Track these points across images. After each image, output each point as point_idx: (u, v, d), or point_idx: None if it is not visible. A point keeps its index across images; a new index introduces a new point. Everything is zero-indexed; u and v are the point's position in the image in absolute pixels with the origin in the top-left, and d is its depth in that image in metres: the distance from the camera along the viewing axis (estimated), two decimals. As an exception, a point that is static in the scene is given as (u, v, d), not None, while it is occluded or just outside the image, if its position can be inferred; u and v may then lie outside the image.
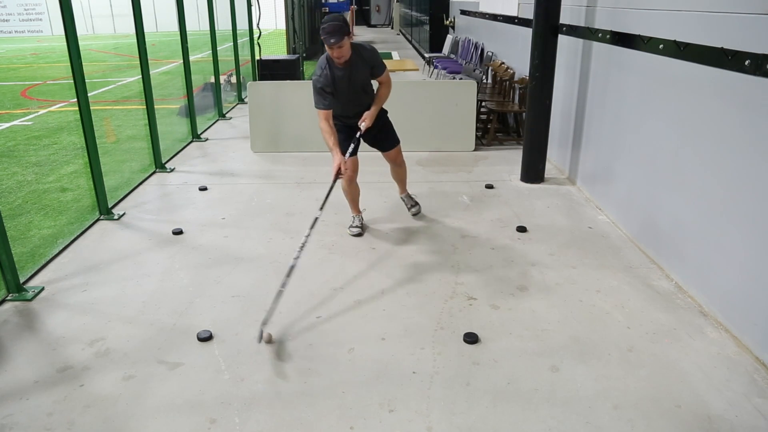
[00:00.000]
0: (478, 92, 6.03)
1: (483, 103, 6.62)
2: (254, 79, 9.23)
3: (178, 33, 6.24)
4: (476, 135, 6.09)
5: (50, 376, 2.56)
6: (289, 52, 13.46)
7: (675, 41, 3.21)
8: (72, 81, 3.96)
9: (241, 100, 9.09)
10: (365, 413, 2.33)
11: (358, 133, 3.69)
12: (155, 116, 5.34)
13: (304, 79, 9.89)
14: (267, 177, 5.29)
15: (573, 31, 4.71)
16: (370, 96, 3.75)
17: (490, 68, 7.63)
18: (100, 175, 4.27)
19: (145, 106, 5.27)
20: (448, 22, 12.51)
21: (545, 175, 5.04)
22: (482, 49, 8.37)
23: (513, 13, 6.81)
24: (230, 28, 8.52)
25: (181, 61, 6.46)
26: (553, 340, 2.78)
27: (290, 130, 6.00)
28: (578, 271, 3.44)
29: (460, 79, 7.57)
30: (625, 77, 3.94)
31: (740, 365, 2.57)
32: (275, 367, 2.62)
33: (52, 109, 9.51)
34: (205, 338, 2.81)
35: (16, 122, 8.49)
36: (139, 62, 5.07)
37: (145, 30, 5.07)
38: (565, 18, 4.73)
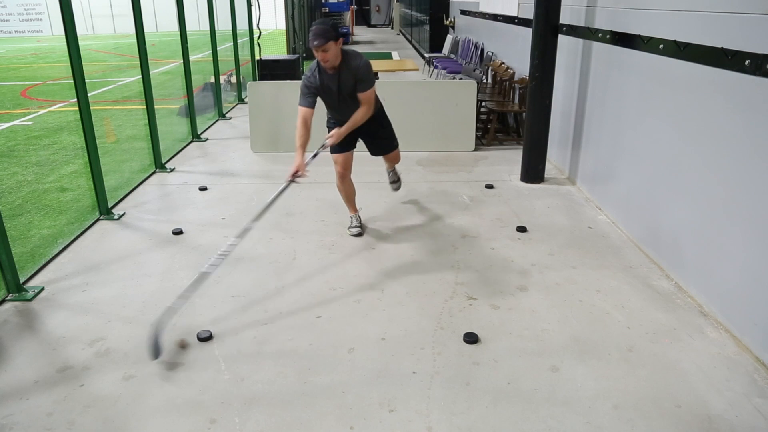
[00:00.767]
0: (478, 92, 6.03)
1: (483, 103, 6.62)
2: (254, 79, 9.23)
3: (178, 33, 6.25)
4: (476, 135, 6.09)
5: (50, 376, 2.56)
6: (289, 52, 13.49)
7: (675, 41, 3.21)
8: (72, 81, 3.96)
9: (241, 100, 9.09)
10: (365, 413, 2.33)
11: (320, 148, 3.63)
12: (155, 116, 5.34)
13: (304, 79, 9.87)
14: (267, 177, 5.29)
15: (573, 31, 4.71)
16: None
17: (490, 68, 7.63)
18: (100, 175, 4.27)
19: (145, 106, 5.27)
20: (448, 22, 12.52)
21: (545, 175, 5.04)
22: (482, 49, 8.37)
23: (513, 13, 6.81)
24: (230, 28, 8.53)
25: (181, 61, 6.46)
26: (553, 340, 2.78)
27: (290, 130, 5.90)
28: (578, 271, 3.44)
29: (460, 79, 7.57)
30: (625, 77, 3.94)
31: (740, 365, 2.57)
32: (275, 367, 2.62)
33: (52, 109, 9.50)
34: (205, 338, 2.81)
35: (16, 122, 8.49)
36: (139, 62, 5.08)
37: (145, 30, 5.07)
38: (565, 18, 4.73)
